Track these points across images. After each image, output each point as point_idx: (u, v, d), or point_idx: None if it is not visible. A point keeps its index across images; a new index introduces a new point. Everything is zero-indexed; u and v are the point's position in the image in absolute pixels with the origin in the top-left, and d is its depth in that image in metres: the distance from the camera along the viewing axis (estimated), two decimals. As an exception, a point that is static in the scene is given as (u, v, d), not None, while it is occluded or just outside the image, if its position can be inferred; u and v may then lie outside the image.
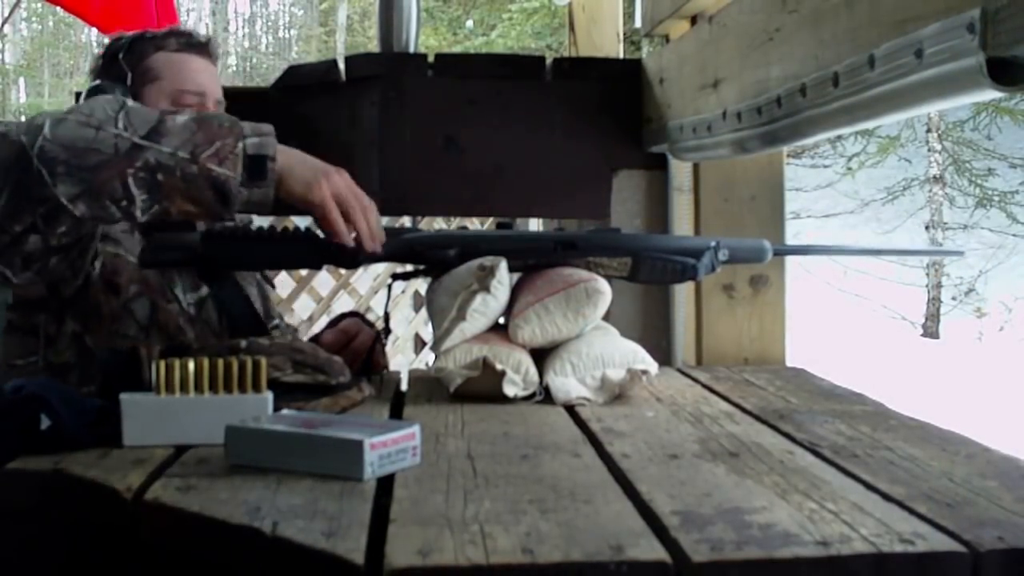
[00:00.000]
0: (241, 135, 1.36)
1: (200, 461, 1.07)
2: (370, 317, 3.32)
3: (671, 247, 1.53)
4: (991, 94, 0.95)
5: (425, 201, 2.22)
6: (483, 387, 1.40)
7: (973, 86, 0.96)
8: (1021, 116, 11.66)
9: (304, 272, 4.75)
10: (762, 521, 0.85)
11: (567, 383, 1.41)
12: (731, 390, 1.51)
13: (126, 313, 1.54)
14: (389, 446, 1.02)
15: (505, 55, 2.74)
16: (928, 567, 0.78)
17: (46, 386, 1.15)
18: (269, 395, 1.17)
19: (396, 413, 1.36)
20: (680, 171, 2.05)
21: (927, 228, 11.87)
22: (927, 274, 11.65)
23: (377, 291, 4.91)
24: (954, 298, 11.90)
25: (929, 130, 11.81)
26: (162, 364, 1.15)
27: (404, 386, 1.57)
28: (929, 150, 11.89)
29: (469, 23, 16.09)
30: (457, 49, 14.63)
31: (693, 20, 1.92)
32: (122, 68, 1.67)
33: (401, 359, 4.88)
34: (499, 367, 1.39)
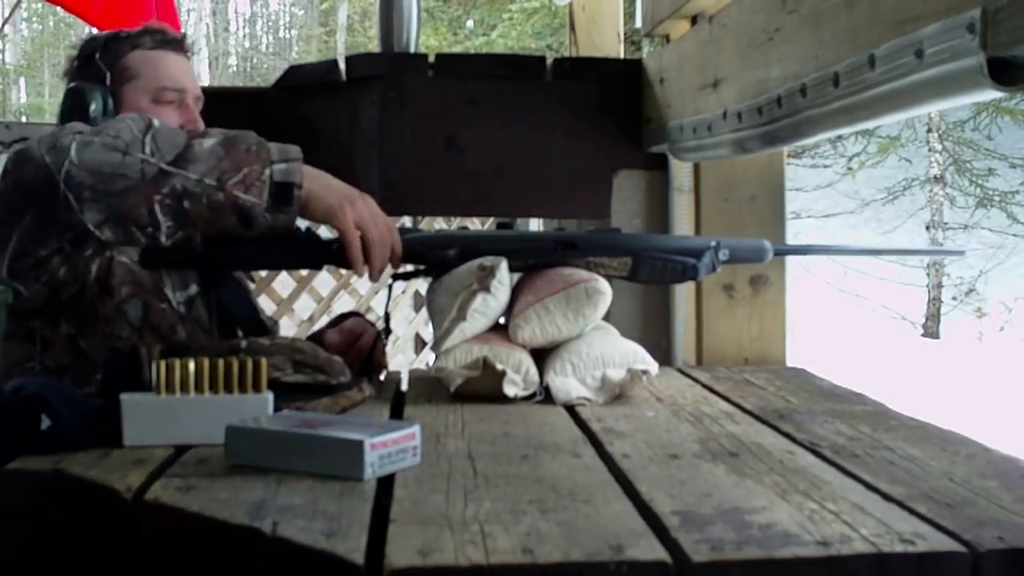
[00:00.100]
0: (268, 161, 1.36)
1: (200, 461, 1.07)
2: (370, 317, 3.32)
3: (671, 247, 1.53)
4: (991, 94, 0.95)
5: (425, 201, 2.22)
6: (483, 387, 1.40)
7: (973, 86, 0.96)
8: (1021, 116, 11.66)
9: (304, 272, 4.75)
10: (762, 521, 0.85)
11: (567, 383, 1.41)
12: (731, 390, 1.51)
13: (119, 315, 1.54)
14: (389, 446, 1.02)
15: (505, 55, 2.75)
16: (928, 567, 0.78)
17: (46, 386, 1.15)
18: (269, 395, 1.17)
19: (396, 413, 1.36)
20: (680, 171, 2.05)
21: (927, 228, 11.87)
22: (927, 274, 11.65)
23: (377, 291, 4.91)
24: (954, 298, 11.90)
25: (929, 130, 11.81)
26: (162, 364, 1.15)
27: (404, 386, 1.57)
28: (929, 150, 11.89)
29: (469, 23, 16.09)
30: (457, 49, 14.63)
31: (693, 20, 1.92)
32: (100, 68, 1.66)
33: (401, 359, 4.88)
34: (499, 367, 1.39)
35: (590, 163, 2.11)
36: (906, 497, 0.92)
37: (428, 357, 4.71)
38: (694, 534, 0.82)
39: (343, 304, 4.88)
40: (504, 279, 1.47)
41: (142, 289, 1.58)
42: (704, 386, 1.56)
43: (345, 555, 0.79)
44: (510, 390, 1.40)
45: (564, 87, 2.13)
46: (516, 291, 1.51)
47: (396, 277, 1.64)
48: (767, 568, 0.77)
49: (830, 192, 13.71)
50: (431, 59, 2.15)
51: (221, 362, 1.16)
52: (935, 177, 11.77)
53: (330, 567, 0.79)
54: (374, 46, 2.92)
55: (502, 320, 1.51)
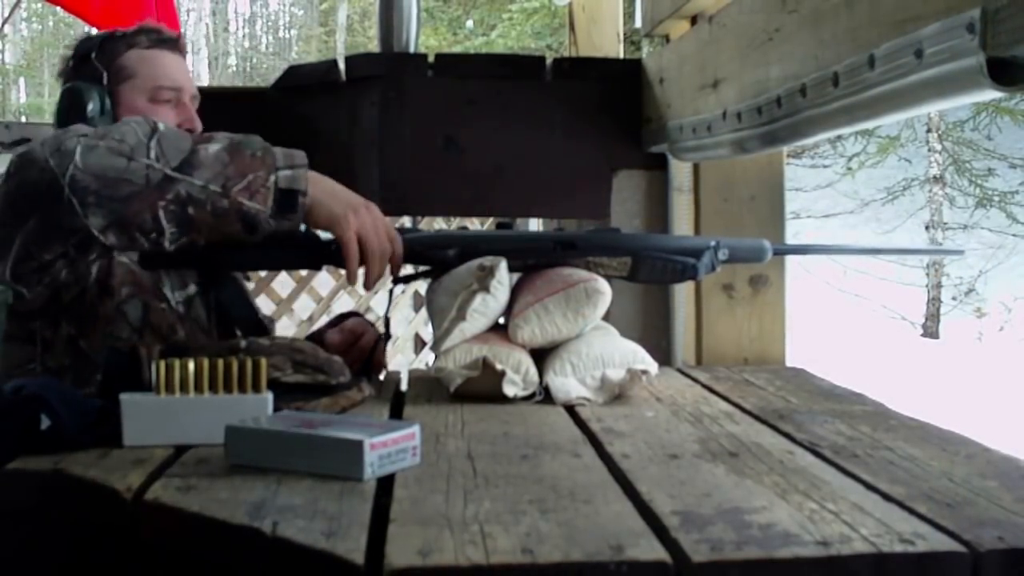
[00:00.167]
0: (273, 167, 1.36)
1: (200, 461, 1.07)
2: (370, 317, 3.33)
3: (671, 247, 1.53)
4: (991, 94, 0.95)
5: (425, 201, 2.22)
6: (483, 387, 1.40)
7: (973, 86, 0.96)
8: (1021, 116, 11.66)
9: (304, 272, 4.75)
10: (762, 521, 0.85)
11: (567, 383, 1.41)
12: (731, 390, 1.51)
13: (119, 315, 1.54)
14: (389, 446, 1.02)
15: (505, 55, 2.75)
16: (928, 567, 0.78)
17: (46, 386, 1.15)
18: (269, 395, 1.17)
19: (396, 413, 1.36)
20: (680, 171, 2.05)
21: (927, 228, 11.87)
22: (927, 274, 11.65)
23: (377, 291, 4.91)
24: (954, 298, 11.91)
25: (929, 130, 11.81)
26: (162, 364, 1.15)
27: (404, 386, 1.57)
28: (929, 150, 11.89)
29: (469, 23, 16.09)
30: (457, 49, 14.63)
31: (693, 20, 1.92)
32: (96, 68, 1.66)
33: (401, 359, 4.88)
34: (499, 367, 1.39)
35: (590, 163, 2.11)
36: (906, 497, 0.92)
37: (428, 357, 4.71)
38: (694, 534, 0.82)
39: (343, 304, 4.88)
40: (503, 279, 1.47)
41: (142, 289, 1.58)
42: (704, 386, 1.56)
43: (345, 555, 0.79)
44: (510, 390, 1.40)
45: (564, 87, 2.13)
46: (516, 291, 1.51)
47: (396, 280, 1.64)
48: (767, 568, 0.77)
49: (830, 192, 13.71)
50: (431, 59, 2.15)
51: (221, 362, 1.16)
52: (935, 177, 11.77)
53: (330, 567, 0.79)
54: (374, 46, 2.92)
55: (502, 320, 1.51)
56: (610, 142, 2.12)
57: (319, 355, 1.36)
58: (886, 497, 0.93)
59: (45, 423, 1.10)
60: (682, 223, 2.03)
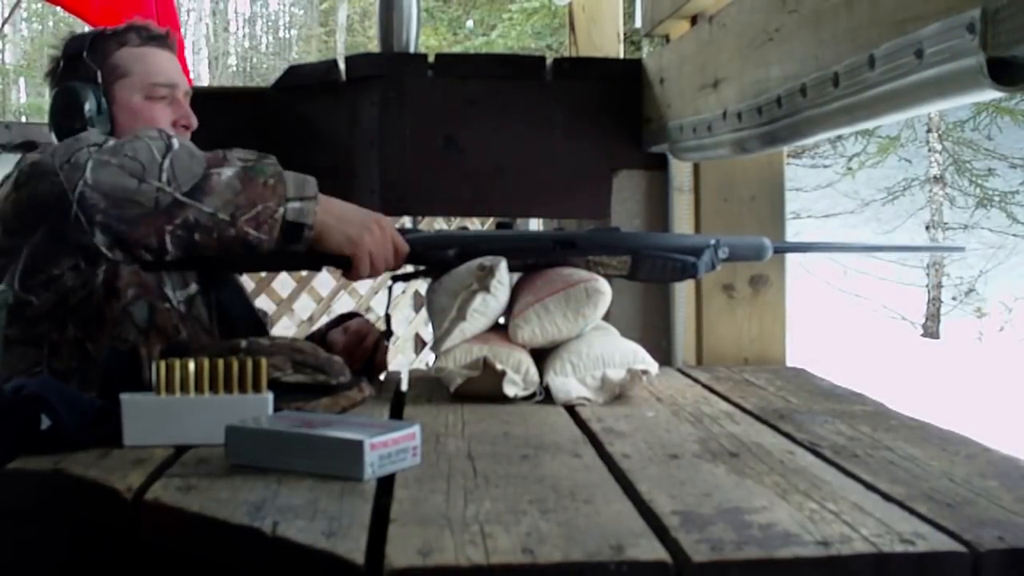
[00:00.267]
0: (284, 198, 1.37)
1: (200, 461, 1.07)
2: (370, 317, 3.32)
3: (670, 245, 1.53)
4: (991, 94, 0.95)
5: (425, 201, 2.22)
6: (483, 387, 1.40)
7: (973, 86, 0.96)
8: (1021, 116, 11.66)
9: (304, 272, 4.74)
10: (762, 521, 0.85)
11: (567, 383, 1.41)
12: (731, 390, 1.51)
13: (126, 317, 1.55)
14: (389, 446, 1.02)
15: (505, 55, 2.75)
16: (928, 567, 0.78)
17: (46, 386, 1.15)
18: (269, 395, 1.17)
19: (396, 413, 1.36)
20: (680, 171, 2.05)
21: (927, 228, 11.87)
22: (927, 274, 11.65)
23: (377, 291, 4.91)
24: (954, 298, 11.90)
25: (929, 130, 11.80)
26: (162, 364, 1.15)
27: (404, 386, 1.57)
28: (929, 150, 11.89)
29: (469, 23, 16.08)
30: (457, 49, 14.62)
31: (693, 20, 1.92)
32: (89, 67, 1.65)
33: (401, 359, 4.88)
34: (499, 367, 1.39)
35: (590, 163, 2.11)
36: (906, 497, 0.92)
37: (428, 357, 4.71)
38: (694, 534, 0.82)
39: (343, 304, 4.88)
40: (504, 279, 1.47)
41: (147, 290, 1.58)
42: (704, 386, 1.56)
43: (345, 555, 0.79)
44: (510, 390, 1.40)
45: (564, 87, 2.13)
46: (516, 291, 1.51)
47: (396, 279, 1.65)
48: (767, 568, 0.77)
49: (830, 192, 13.71)
50: (431, 59, 2.15)
51: (221, 362, 1.16)
52: (935, 177, 11.77)
53: (330, 567, 0.79)
54: (374, 46, 2.92)
55: (502, 320, 1.51)
56: (610, 142, 2.12)
57: (319, 355, 1.36)
58: (886, 497, 0.93)
59: (45, 423, 1.10)
60: (682, 223, 2.03)
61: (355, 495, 0.94)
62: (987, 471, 1.03)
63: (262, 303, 4.36)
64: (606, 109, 2.12)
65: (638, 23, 2.24)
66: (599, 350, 1.43)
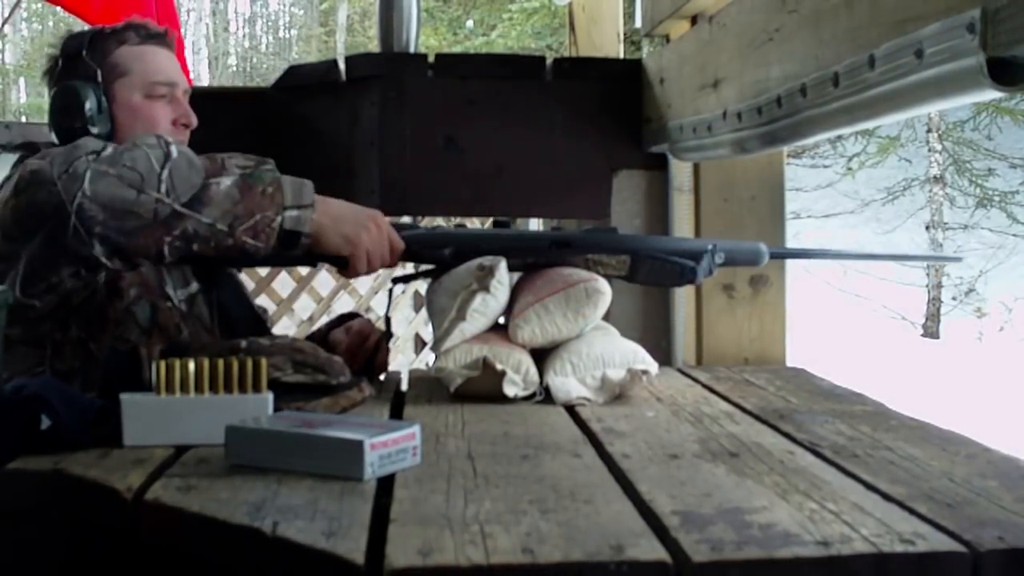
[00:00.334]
0: (281, 206, 1.38)
1: (200, 461, 1.07)
2: (370, 317, 3.32)
3: (667, 248, 1.53)
4: (991, 94, 0.95)
5: (425, 201, 2.22)
6: (483, 387, 1.40)
7: (973, 86, 0.96)
8: (1021, 116, 11.66)
9: (304, 272, 4.75)
10: (762, 521, 0.85)
11: (567, 383, 1.41)
12: (731, 390, 1.51)
13: (128, 316, 1.55)
14: (389, 446, 1.02)
15: (505, 55, 2.75)
16: (928, 567, 0.78)
17: (46, 386, 1.15)
18: (269, 395, 1.17)
19: (396, 413, 1.36)
20: (680, 171, 2.05)
21: (927, 228, 11.87)
22: (927, 274, 11.65)
23: (377, 291, 4.91)
24: (954, 298, 11.90)
25: (929, 130, 11.80)
26: (162, 364, 1.15)
27: (404, 386, 1.57)
28: (929, 150, 11.88)
29: (469, 23, 16.08)
30: (457, 49, 14.62)
31: (693, 20, 1.92)
32: (89, 66, 1.63)
33: (401, 359, 4.88)
34: (499, 367, 1.39)
35: (590, 163, 2.11)
36: (906, 497, 0.92)
37: (428, 357, 4.71)
38: (694, 534, 0.82)
39: (343, 304, 4.88)
40: (503, 279, 1.47)
41: (149, 290, 1.58)
42: (704, 386, 1.56)
43: (345, 555, 0.79)
44: (510, 390, 1.40)
45: (564, 87, 2.13)
46: (516, 291, 1.51)
47: (396, 280, 1.64)
48: (767, 568, 0.77)
49: (830, 192, 13.70)
50: (431, 59, 2.15)
51: (221, 362, 1.16)
52: (935, 177, 11.77)
53: (330, 567, 0.79)
54: (374, 46, 2.92)
55: (502, 320, 1.51)
56: (610, 142, 2.12)
57: (319, 355, 1.36)
58: (886, 497, 0.93)
59: (45, 423, 1.10)
60: (682, 223, 2.03)
61: (355, 495, 0.94)
62: (987, 471, 1.03)
63: (262, 302, 4.35)
64: (606, 109, 2.12)
65: (638, 23, 2.24)
66: (599, 350, 1.43)
